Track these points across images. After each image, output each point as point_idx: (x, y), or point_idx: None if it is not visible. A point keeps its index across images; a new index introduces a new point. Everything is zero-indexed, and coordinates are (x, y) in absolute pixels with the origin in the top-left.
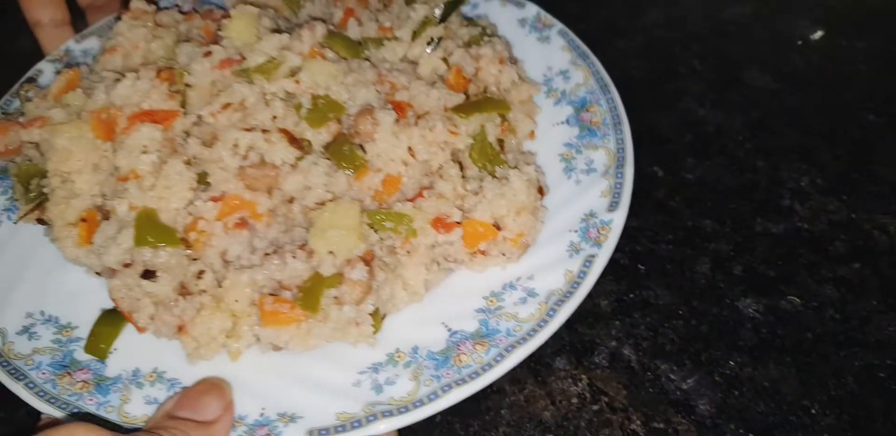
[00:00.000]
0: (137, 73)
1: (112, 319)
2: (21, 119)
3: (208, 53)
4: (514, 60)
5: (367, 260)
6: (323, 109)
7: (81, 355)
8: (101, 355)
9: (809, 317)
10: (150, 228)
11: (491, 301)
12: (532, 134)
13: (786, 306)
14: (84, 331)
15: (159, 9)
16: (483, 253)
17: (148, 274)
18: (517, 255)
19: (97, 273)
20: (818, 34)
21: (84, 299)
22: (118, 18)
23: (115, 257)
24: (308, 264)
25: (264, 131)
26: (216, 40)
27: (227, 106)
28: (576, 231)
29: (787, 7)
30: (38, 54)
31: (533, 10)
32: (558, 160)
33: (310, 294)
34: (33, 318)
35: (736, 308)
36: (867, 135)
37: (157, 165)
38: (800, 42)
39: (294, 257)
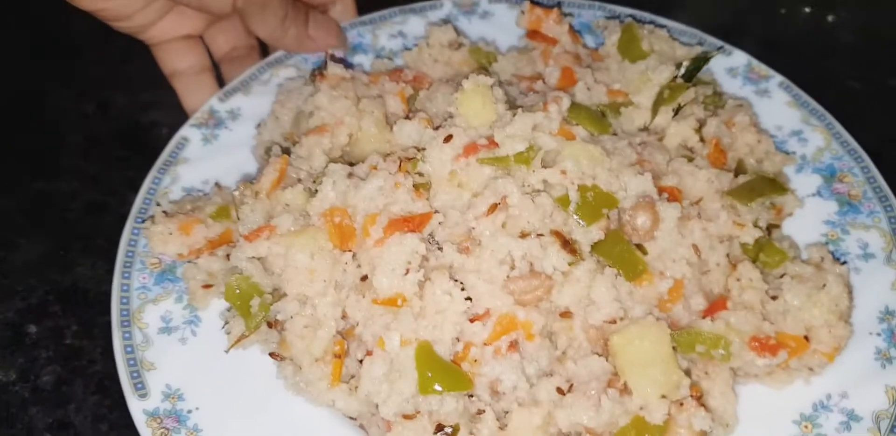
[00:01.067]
0: (377, 167)
1: None
2: (241, 228)
3: (449, 137)
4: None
5: (699, 399)
6: (594, 202)
7: None
8: None
9: None
10: (434, 368)
11: (805, 427)
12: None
13: None
14: None
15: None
16: (784, 367)
17: (442, 430)
18: (824, 367)
19: (350, 418)
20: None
21: None
22: (312, 81)
23: (394, 408)
24: (624, 407)
25: (539, 236)
26: (411, 108)
27: (493, 208)
28: (878, 334)
29: None
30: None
31: (743, 58)
32: (824, 242)
33: None
34: None
35: None
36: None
37: (421, 283)
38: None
39: (608, 397)
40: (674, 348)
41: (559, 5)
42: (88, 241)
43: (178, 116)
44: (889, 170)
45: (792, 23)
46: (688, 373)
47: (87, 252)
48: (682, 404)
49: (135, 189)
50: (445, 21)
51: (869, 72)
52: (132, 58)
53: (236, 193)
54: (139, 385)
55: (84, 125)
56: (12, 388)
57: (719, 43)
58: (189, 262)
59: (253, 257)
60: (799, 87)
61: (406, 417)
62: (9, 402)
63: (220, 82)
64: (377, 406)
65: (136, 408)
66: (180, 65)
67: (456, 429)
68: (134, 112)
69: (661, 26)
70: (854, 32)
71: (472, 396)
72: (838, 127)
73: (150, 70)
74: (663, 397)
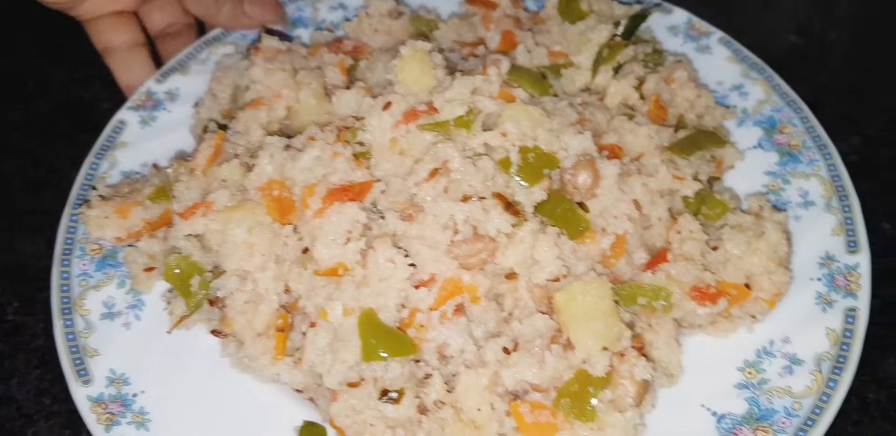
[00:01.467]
0: (314, 137)
1: None
2: (175, 206)
3: (388, 105)
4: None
5: (641, 350)
6: (535, 163)
7: None
8: None
9: None
10: (378, 335)
11: (749, 373)
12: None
13: None
14: None
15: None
16: (727, 316)
17: (387, 395)
18: (766, 314)
19: (297, 391)
20: None
21: (262, 416)
22: (246, 57)
23: (339, 377)
24: (567, 362)
25: (481, 199)
26: (351, 79)
27: (434, 173)
28: (819, 279)
29: None
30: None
31: (683, 15)
32: (765, 193)
33: (579, 399)
34: None
35: None
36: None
37: (363, 252)
38: None
39: (551, 353)
40: (616, 302)
41: None
42: (29, 218)
43: (120, 91)
44: (829, 120)
45: None
46: (631, 326)
47: (29, 230)
48: (623, 356)
49: (76, 166)
50: None
51: (809, 27)
52: (71, 31)
53: (170, 171)
54: (82, 372)
55: (22, 102)
56: None
57: (658, 0)
58: (129, 246)
59: (190, 235)
60: (741, 44)
61: (351, 384)
62: None
63: (157, 61)
64: (322, 377)
65: (80, 395)
66: (113, 41)
67: (401, 393)
68: (74, 87)
69: None
70: None
71: (418, 361)
72: (778, 79)
73: (89, 46)
74: (605, 349)
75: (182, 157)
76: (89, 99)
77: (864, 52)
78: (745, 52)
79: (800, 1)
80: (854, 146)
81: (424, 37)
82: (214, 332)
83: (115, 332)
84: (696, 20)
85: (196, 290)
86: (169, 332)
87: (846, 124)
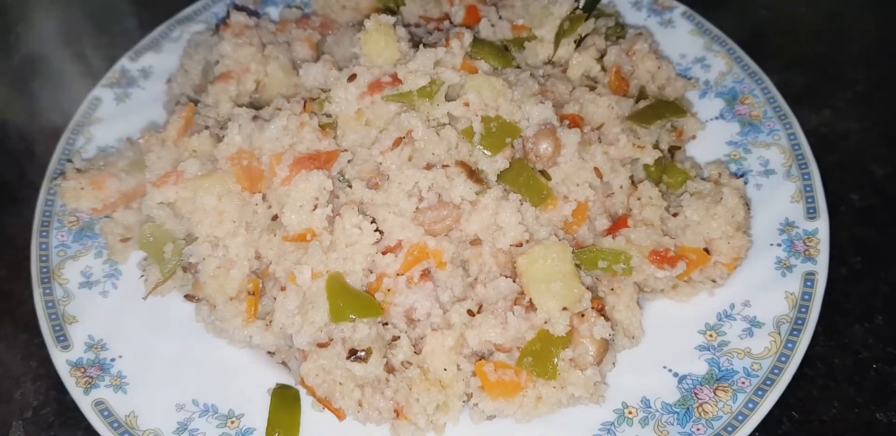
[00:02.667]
0: (280, 109)
1: (288, 403)
2: (148, 175)
3: (353, 77)
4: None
5: (601, 311)
6: (498, 132)
7: None
8: None
9: None
10: (345, 298)
11: (710, 335)
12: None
13: None
14: (251, 419)
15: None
16: (688, 280)
17: (355, 354)
18: (726, 279)
19: (270, 353)
20: None
21: (236, 379)
22: (215, 33)
23: (308, 338)
24: (529, 322)
25: (444, 166)
26: (319, 54)
27: (398, 141)
28: (779, 245)
29: None
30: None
31: None
32: (727, 162)
33: (542, 358)
34: (186, 410)
35: None
36: None
37: (330, 218)
38: None
39: (514, 315)
40: (577, 265)
41: None
42: (14, 191)
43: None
44: (799, 93)
45: None
46: (593, 290)
47: (12, 201)
48: (583, 316)
49: (58, 137)
50: None
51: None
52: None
53: (142, 142)
54: (61, 338)
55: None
56: None
57: None
58: (105, 217)
59: (162, 204)
60: (710, 18)
61: (320, 345)
62: None
63: None
64: (292, 338)
65: (60, 359)
66: None
67: (369, 353)
68: None
69: None
70: None
71: (387, 324)
72: (739, 52)
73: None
74: (565, 309)
75: (154, 129)
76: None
77: (833, 27)
78: (708, 25)
79: None
80: (823, 118)
81: (391, 12)
82: (188, 296)
83: (93, 300)
84: None
85: (170, 257)
86: (144, 298)
87: (816, 98)
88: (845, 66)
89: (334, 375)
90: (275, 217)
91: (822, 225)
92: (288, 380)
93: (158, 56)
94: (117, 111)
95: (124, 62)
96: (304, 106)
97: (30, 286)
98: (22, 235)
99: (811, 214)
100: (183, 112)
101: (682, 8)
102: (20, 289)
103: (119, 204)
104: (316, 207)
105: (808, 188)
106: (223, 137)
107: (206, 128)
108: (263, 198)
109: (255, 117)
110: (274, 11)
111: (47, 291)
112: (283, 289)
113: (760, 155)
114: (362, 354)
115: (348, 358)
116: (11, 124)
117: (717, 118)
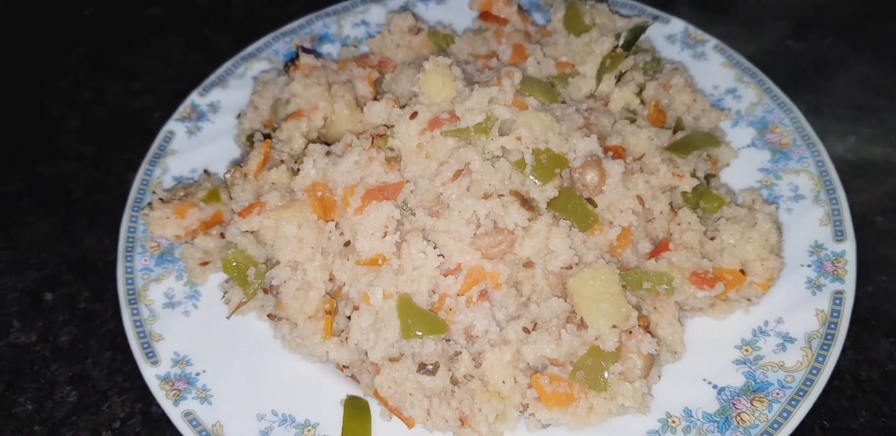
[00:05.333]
0: (351, 144)
1: (359, 413)
2: (233, 206)
3: (414, 114)
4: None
5: (647, 328)
6: (547, 164)
7: None
8: None
9: None
10: (413, 316)
11: (746, 350)
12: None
13: None
14: (327, 428)
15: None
16: (725, 299)
17: (424, 368)
18: (761, 297)
19: (344, 367)
20: None
21: (310, 391)
22: (286, 71)
23: (381, 353)
24: (581, 339)
25: (500, 196)
26: (378, 90)
27: (458, 173)
28: (809, 266)
29: None
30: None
31: (680, 25)
32: (759, 188)
33: (593, 372)
34: (267, 420)
35: None
36: None
37: (398, 244)
38: None
39: (567, 332)
40: (623, 286)
41: None
42: (92, 217)
43: (169, 100)
44: (828, 121)
45: None
46: (638, 308)
47: (92, 227)
48: (630, 333)
49: (131, 168)
50: (404, 8)
51: (805, 32)
52: (123, 49)
53: (227, 176)
54: (150, 354)
55: (81, 111)
56: (34, 348)
57: (657, 13)
58: (186, 243)
59: (246, 232)
60: (742, 49)
61: (392, 360)
62: (32, 360)
63: None
64: (366, 353)
65: (150, 374)
66: None
67: (436, 366)
68: (127, 98)
69: (603, 0)
70: None
71: (449, 340)
72: (769, 83)
73: (139, 61)
74: (614, 327)
75: (237, 163)
76: (140, 109)
77: (857, 56)
78: (738, 57)
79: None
80: (849, 145)
81: (443, 51)
82: (270, 315)
83: (176, 319)
84: (692, 29)
85: (252, 280)
86: (228, 317)
87: (843, 125)
88: (869, 95)
89: (405, 386)
90: (347, 243)
91: (849, 247)
92: (357, 392)
93: (225, 91)
94: (189, 144)
95: (194, 97)
96: (373, 142)
97: (111, 307)
98: (102, 259)
99: (839, 236)
100: (261, 148)
101: (714, 41)
102: (103, 309)
103: (199, 231)
104: (386, 234)
105: (835, 212)
106: (298, 170)
107: (282, 162)
108: (336, 226)
109: (328, 152)
110: (328, 48)
111: (135, 311)
112: (356, 308)
113: (790, 181)
114: (430, 367)
115: (418, 371)
116: (86, 156)
117: (749, 146)
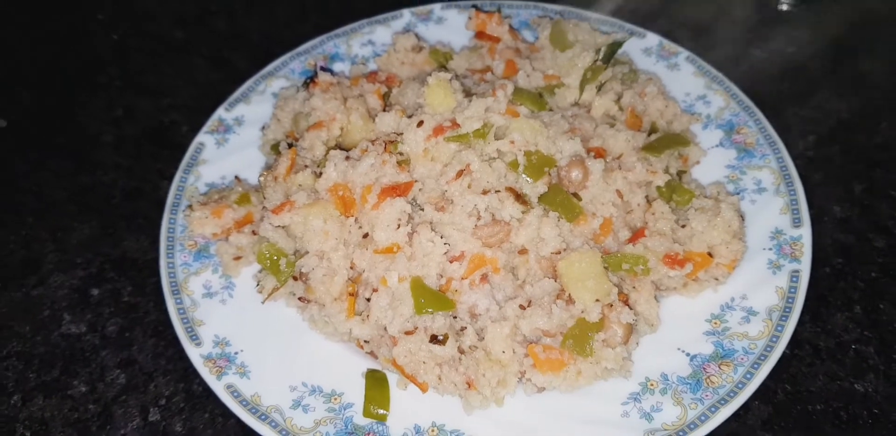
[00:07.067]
0: (366, 150)
1: (379, 383)
2: (266, 204)
3: (420, 123)
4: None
5: (626, 302)
6: (537, 163)
7: (361, 420)
8: (383, 418)
9: None
10: (425, 296)
11: (715, 323)
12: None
13: None
14: (350, 397)
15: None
16: (695, 279)
17: (435, 339)
18: (727, 277)
19: (365, 342)
20: None
21: (335, 366)
22: (306, 88)
23: (398, 327)
24: (569, 312)
25: (496, 192)
26: (387, 103)
27: (459, 173)
28: (770, 249)
29: None
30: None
31: (655, 39)
32: (726, 182)
33: (580, 340)
34: (298, 390)
35: None
36: None
37: (409, 235)
38: None
39: (557, 307)
40: (605, 267)
41: (499, 9)
42: (131, 220)
43: (194, 115)
44: (789, 122)
45: (707, 4)
46: (619, 287)
47: (131, 230)
48: (611, 306)
49: (164, 177)
50: (407, 29)
51: (771, 42)
52: (151, 70)
53: (261, 179)
54: (194, 337)
55: (115, 127)
56: (84, 337)
57: (635, 28)
58: (220, 240)
59: (278, 227)
60: (713, 59)
61: (407, 333)
62: (83, 348)
63: None
64: (385, 328)
65: (194, 354)
66: None
67: (446, 337)
68: (157, 114)
69: (585, 19)
70: (759, 9)
71: (455, 317)
72: (735, 89)
73: (166, 80)
74: (597, 301)
75: (267, 168)
76: (169, 123)
77: (816, 64)
78: (707, 67)
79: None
80: (809, 143)
81: (443, 67)
82: (301, 299)
83: (214, 307)
84: (667, 42)
85: (284, 269)
86: (263, 302)
87: (804, 125)
88: (828, 98)
89: (419, 355)
90: (365, 235)
91: (805, 232)
92: (375, 366)
93: (248, 106)
94: (218, 154)
95: (221, 112)
96: (385, 147)
97: (152, 300)
98: (141, 257)
99: (796, 223)
100: (289, 155)
101: (685, 53)
102: (145, 302)
103: (233, 229)
104: (399, 226)
105: (793, 202)
106: (321, 173)
107: (306, 166)
108: (356, 220)
109: (346, 157)
110: (339, 66)
111: (178, 300)
112: (375, 290)
113: (754, 176)
114: (441, 338)
115: (430, 342)
116: (122, 167)
117: (717, 146)
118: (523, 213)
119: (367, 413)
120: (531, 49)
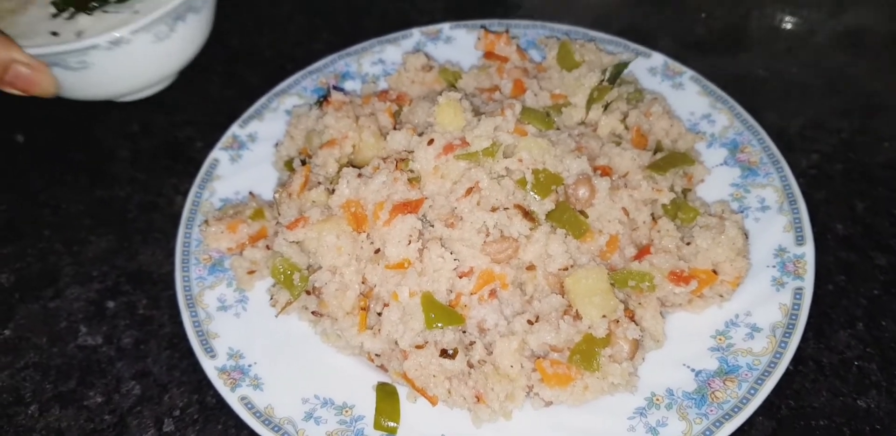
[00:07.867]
0: (378, 167)
1: (389, 396)
2: (281, 220)
3: (431, 141)
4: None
5: (632, 318)
6: (545, 181)
7: (371, 432)
8: (393, 431)
9: None
10: (435, 311)
11: (720, 339)
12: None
13: None
14: (361, 409)
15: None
16: (700, 296)
17: (445, 353)
18: (731, 294)
19: (376, 355)
20: None
21: (346, 379)
22: (319, 106)
23: (409, 341)
24: (576, 328)
25: (505, 209)
26: (397, 121)
27: (469, 191)
28: (773, 266)
29: None
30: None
31: (660, 59)
32: (730, 201)
33: (587, 355)
34: (310, 403)
35: None
36: None
37: (420, 250)
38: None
39: (564, 322)
40: (612, 284)
41: (507, 30)
42: (146, 234)
43: (208, 131)
44: (792, 140)
45: (711, 25)
46: (625, 303)
47: (147, 243)
48: (618, 322)
49: (179, 192)
50: (417, 49)
51: (774, 62)
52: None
53: (276, 196)
54: (208, 349)
55: (131, 142)
56: (100, 349)
57: (640, 48)
58: (234, 254)
59: (292, 242)
60: (717, 78)
61: (418, 347)
62: (99, 360)
63: None
64: (396, 342)
65: (209, 366)
66: None
67: (455, 352)
68: (171, 129)
69: (592, 39)
70: (763, 30)
71: (465, 332)
72: (739, 108)
73: (180, 96)
74: (604, 317)
75: (282, 184)
76: (185, 139)
77: (819, 83)
78: (712, 86)
79: (767, 40)
80: (812, 162)
81: (452, 86)
82: (314, 312)
83: (228, 320)
84: (671, 62)
85: (297, 283)
86: (277, 315)
87: (807, 144)
88: (831, 116)
89: (429, 369)
90: (377, 251)
91: (808, 250)
92: (386, 379)
93: (262, 123)
94: (232, 169)
95: (235, 129)
96: (396, 165)
97: (167, 312)
98: (157, 271)
99: (800, 241)
100: (303, 172)
101: (690, 73)
102: (159, 315)
103: (247, 244)
104: (410, 242)
105: (797, 220)
106: (334, 190)
107: (320, 183)
108: (368, 236)
109: (359, 175)
110: (350, 84)
111: (193, 313)
112: (386, 305)
113: (758, 194)
114: (451, 352)
115: (440, 356)
116: (138, 181)
117: (721, 165)
118: (531, 229)
119: (377, 426)
120: (538, 69)
